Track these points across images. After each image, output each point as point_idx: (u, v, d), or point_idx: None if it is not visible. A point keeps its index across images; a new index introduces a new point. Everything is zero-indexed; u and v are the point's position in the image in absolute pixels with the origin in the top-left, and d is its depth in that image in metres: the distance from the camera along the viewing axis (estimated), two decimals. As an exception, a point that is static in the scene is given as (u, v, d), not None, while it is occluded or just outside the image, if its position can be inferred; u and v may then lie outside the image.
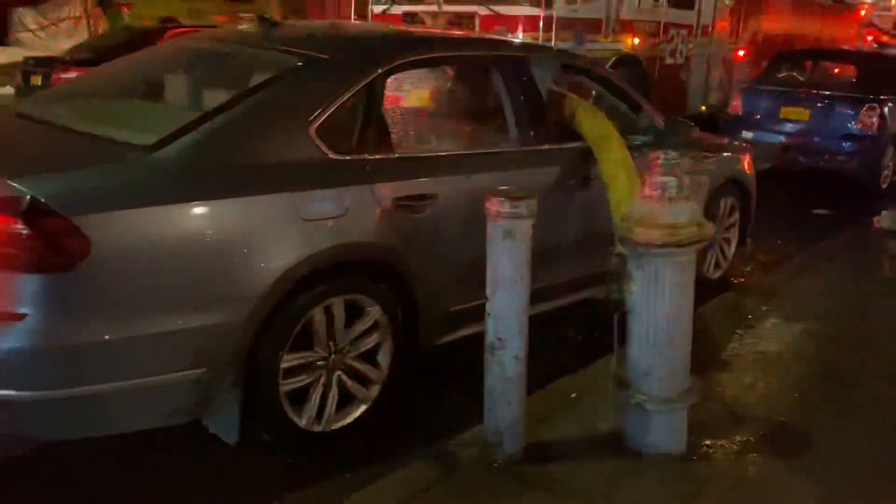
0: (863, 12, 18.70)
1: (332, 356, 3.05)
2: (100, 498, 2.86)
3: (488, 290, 2.82)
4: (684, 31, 10.73)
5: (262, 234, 2.75)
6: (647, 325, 2.88)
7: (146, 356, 2.55)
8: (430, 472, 2.93)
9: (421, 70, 3.48)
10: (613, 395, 3.13)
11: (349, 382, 3.14)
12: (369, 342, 3.18)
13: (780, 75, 9.70)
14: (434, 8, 9.06)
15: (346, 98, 3.08)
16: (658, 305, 2.84)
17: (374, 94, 3.18)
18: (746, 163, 5.24)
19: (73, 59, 10.14)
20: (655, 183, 2.75)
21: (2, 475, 2.94)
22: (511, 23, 8.51)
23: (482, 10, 8.70)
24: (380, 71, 3.21)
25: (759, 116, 9.09)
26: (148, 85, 3.55)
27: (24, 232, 2.35)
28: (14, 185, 2.38)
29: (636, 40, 9.81)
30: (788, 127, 8.83)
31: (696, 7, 10.86)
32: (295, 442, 3.02)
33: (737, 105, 9.38)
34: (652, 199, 2.78)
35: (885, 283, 5.65)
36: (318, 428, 3.06)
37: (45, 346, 2.40)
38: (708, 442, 3.14)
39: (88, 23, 17.28)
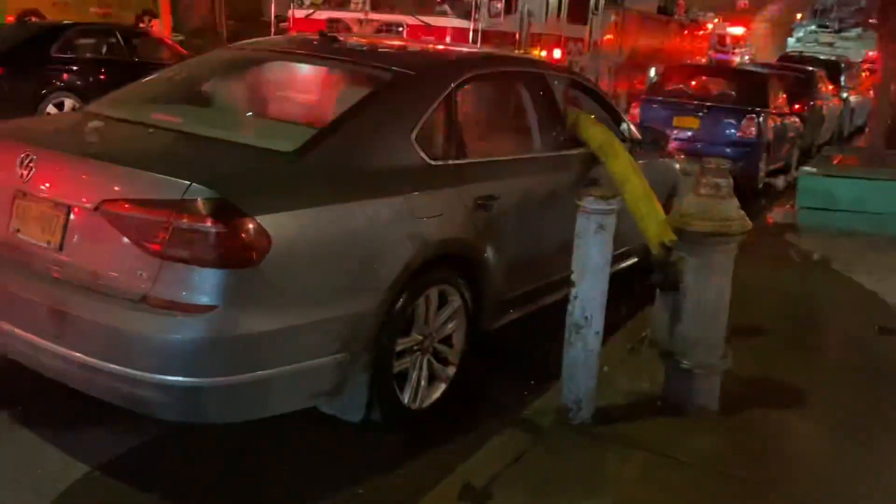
0: (710, 26, 20.80)
1: (425, 340, 3.41)
2: (227, 477, 3.06)
3: (575, 276, 3.29)
4: (580, 45, 11.67)
5: (390, 230, 3.08)
6: (697, 302, 3.46)
7: (307, 342, 2.81)
8: (521, 439, 3.35)
9: (484, 83, 3.90)
10: (650, 362, 3.69)
11: (435, 364, 3.51)
12: (450, 327, 3.56)
13: (668, 88, 10.83)
14: (360, 15, 9.38)
15: (434, 108, 3.45)
16: (708, 286, 3.43)
17: (452, 105, 3.56)
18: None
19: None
20: (710, 184, 3.34)
21: (134, 458, 3.09)
22: (439, 34, 9.00)
23: (410, 20, 9.13)
24: (454, 84, 3.60)
25: (653, 124, 10.14)
26: (246, 93, 3.72)
27: (218, 230, 2.56)
28: (201, 187, 2.58)
29: (543, 52, 10.60)
30: (681, 134, 9.91)
31: (589, 23, 11.84)
32: (400, 419, 3.34)
33: (635, 114, 10.38)
34: (706, 197, 3.36)
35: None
36: (415, 406, 3.40)
37: (231, 336, 2.61)
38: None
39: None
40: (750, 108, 9.90)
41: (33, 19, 15.11)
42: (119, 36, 10.64)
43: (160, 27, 16.59)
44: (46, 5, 16.68)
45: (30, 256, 2.90)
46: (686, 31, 17.78)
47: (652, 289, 3.72)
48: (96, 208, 2.68)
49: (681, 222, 3.42)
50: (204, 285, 2.59)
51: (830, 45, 58.81)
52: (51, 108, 9.57)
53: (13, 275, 2.89)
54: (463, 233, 3.49)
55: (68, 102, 9.69)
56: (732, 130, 9.87)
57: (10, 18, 15.78)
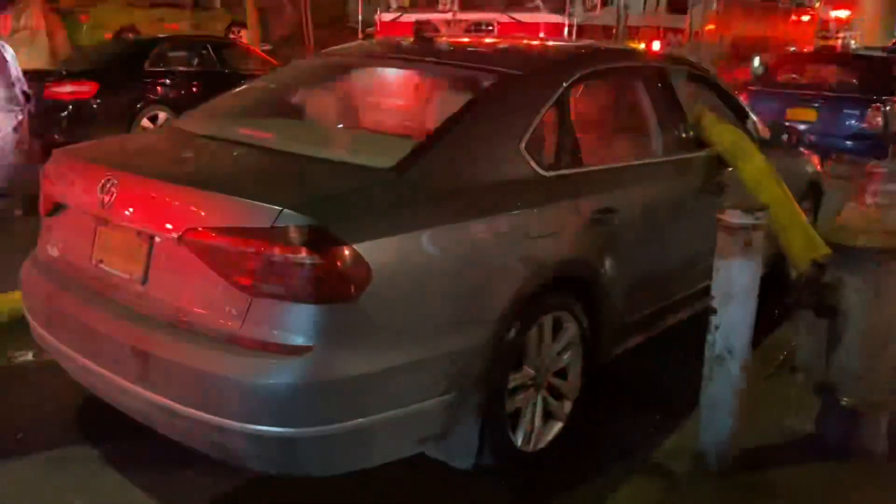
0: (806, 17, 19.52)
1: (539, 374, 3.02)
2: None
3: (717, 303, 2.84)
4: (679, 36, 11.02)
5: (502, 253, 2.72)
6: (863, 331, 2.94)
7: (411, 383, 2.48)
8: (654, 488, 2.92)
9: (598, 81, 3.47)
10: (795, 392, 3.19)
11: (550, 400, 3.12)
12: (566, 359, 3.16)
13: (779, 78, 10.06)
14: (448, 16, 9.05)
15: (544, 113, 3.05)
16: (877, 311, 2.91)
17: (564, 108, 3.16)
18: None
19: (68, 72, 9.70)
20: (879, 191, 2.83)
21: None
22: (532, 30, 8.58)
23: (501, 18, 8.75)
24: (566, 85, 3.19)
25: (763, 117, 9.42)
26: (338, 103, 3.44)
27: (313, 262, 2.25)
28: (293, 213, 2.28)
29: (642, 44, 10.02)
30: (795, 127, 9.15)
31: (689, 12, 11.17)
32: (513, 463, 2.97)
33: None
34: (873, 207, 2.85)
35: None
36: (529, 448, 3.02)
37: (329, 380, 2.30)
38: None
39: (48, 33, 16.54)
40: (875, 97, 9.05)
41: (130, 35, 15.47)
42: (210, 48, 10.66)
43: (248, 37, 16.75)
44: (144, 22, 17.13)
45: (113, 289, 2.67)
46: (790, 17, 16.73)
47: (786, 309, 3.23)
48: (180, 238, 2.41)
49: (841, 236, 2.91)
50: (298, 323, 2.28)
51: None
52: (146, 123, 9.66)
53: (96, 309, 2.67)
54: (580, 252, 3.08)
55: (162, 116, 9.75)
56: (855, 121, 9.06)
57: (109, 36, 16.29)
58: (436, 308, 2.52)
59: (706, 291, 3.95)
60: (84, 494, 2.82)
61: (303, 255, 2.25)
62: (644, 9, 9.72)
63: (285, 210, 2.28)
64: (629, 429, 3.46)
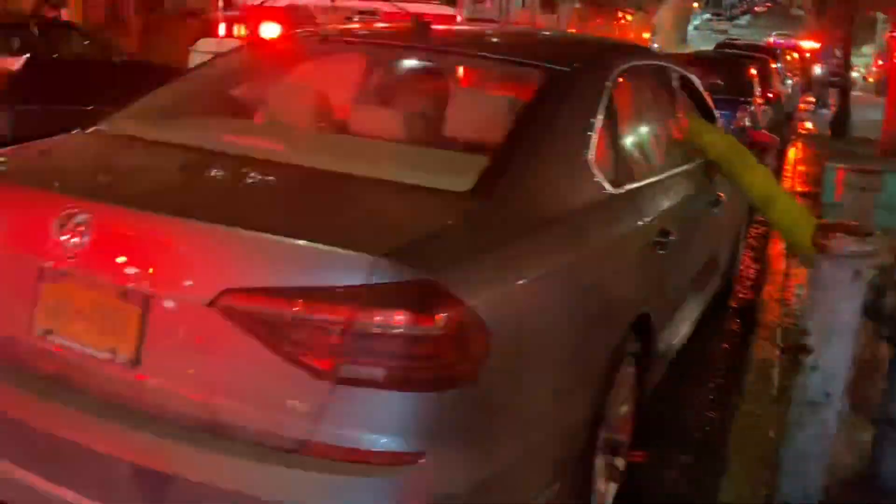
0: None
1: (609, 433, 2.51)
2: None
3: (815, 340, 2.47)
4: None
5: (599, 296, 2.18)
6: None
7: (520, 481, 1.88)
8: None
9: (633, 79, 2.95)
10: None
11: (611, 459, 2.62)
12: (625, 407, 2.67)
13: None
14: (327, 2, 8.26)
15: (601, 117, 2.52)
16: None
17: (613, 110, 2.64)
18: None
19: None
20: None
21: None
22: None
23: (386, 7, 8.11)
24: (609, 83, 2.67)
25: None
26: (350, 102, 2.66)
27: (430, 332, 1.58)
28: (394, 263, 1.59)
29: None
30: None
31: (556, 12, 11.09)
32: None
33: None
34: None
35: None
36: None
37: (447, 495, 1.65)
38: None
39: None
40: (741, 98, 9.41)
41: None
42: (38, 30, 9.07)
43: (69, 16, 14.72)
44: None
45: (76, 372, 1.83)
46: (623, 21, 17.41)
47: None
48: (212, 303, 1.64)
49: None
50: (405, 420, 1.61)
51: (724, 32, 61.14)
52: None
53: (38, 401, 1.81)
54: (647, 282, 2.61)
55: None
56: (725, 122, 9.33)
57: None
58: (547, 374, 1.94)
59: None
60: None
61: (414, 322, 1.58)
62: (523, 5, 9.47)
63: (380, 259, 1.60)
64: (684, 477, 3.04)
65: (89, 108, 9.39)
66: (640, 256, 2.55)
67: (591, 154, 2.39)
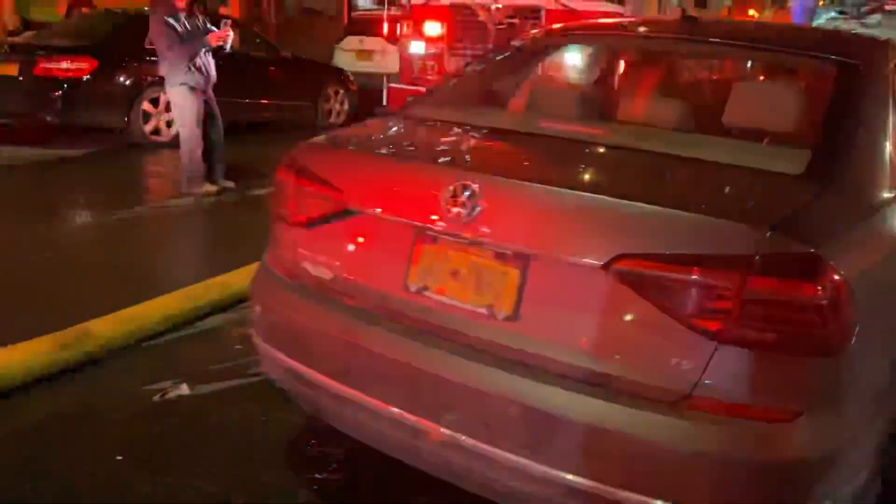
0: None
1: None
2: None
3: None
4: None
5: None
6: None
7: (864, 448, 1.98)
8: None
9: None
10: None
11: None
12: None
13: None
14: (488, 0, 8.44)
15: (891, 108, 2.58)
16: None
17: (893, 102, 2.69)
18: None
19: (56, 47, 8.63)
20: None
21: None
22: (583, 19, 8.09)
23: (550, 5, 8.22)
24: (889, 75, 2.72)
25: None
26: (652, 94, 2.85)
27: (819, 301, 1.72)
28: (781, 236, 1.75)
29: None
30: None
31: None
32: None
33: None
34: None
35: None
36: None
37: (818, 456, 1.78)
38: None
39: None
40: None
41: (84, 10, 14.12)
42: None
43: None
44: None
45: (448, 323, 2.06)
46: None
47: None
48: (605, 266, 1.83)
49: None
50: (788, 381, 1.76)
51: (853, 31, 58.09)
52: (146, 105, 8.72)
53: (428, 350, 2.05)
54: None
55: (163, 98, 8.82)
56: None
57: (62, 10, 14.92)
58: (891, 346, 2.03)
59: None
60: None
61: (802, 290, 1.72)
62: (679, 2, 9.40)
63: (772, 233, 1.74)
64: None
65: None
66: None
67: (891, 143, 2.46)
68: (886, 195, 2.22)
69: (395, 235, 2.16)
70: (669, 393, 1.79)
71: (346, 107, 11.18)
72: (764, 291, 1.72)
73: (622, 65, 3.10)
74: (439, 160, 2.22)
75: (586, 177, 2.12)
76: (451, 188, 2.01)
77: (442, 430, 2.01)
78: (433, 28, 8.77)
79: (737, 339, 1.75)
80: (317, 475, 2.69)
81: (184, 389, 3.19)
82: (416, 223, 2.11)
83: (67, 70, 8.35)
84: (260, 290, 2.53)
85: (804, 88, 2.62)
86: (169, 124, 8.79)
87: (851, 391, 1.85)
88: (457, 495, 2.19)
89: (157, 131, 8.81)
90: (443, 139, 2.43)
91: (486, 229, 1.99)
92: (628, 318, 1.83)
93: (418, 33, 8.77)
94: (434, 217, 2.06)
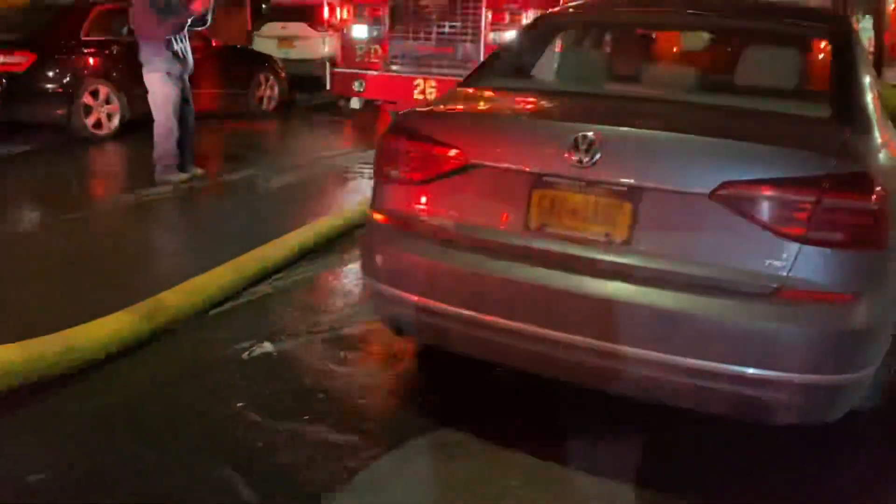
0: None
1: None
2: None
3: None
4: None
5: None
6: None
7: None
8: None
9: None
10: None
11: None
12: None
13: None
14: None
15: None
16: None
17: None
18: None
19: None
20: None
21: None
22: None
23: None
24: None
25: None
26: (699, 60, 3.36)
27: (870, 208, 2.30)
28: (842, 161, 2.32)
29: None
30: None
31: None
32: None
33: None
34: None
35: None
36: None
37: (872, 326, 2.38)
38: None
39: None
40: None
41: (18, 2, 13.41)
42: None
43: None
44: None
45: (571, 251, 2.51)
46: None
47: None
48: (712, 193, 2.33)
49: None
50: (852, 270, 2.33)
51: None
52: (87, 98, 8.60)
53: (561, 277, 2.50)
54: None
55: (103, 91, 8.74)
56: None
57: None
58: None
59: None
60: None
61: (861, 200, 2.29)
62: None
63: (834, 158, 2.31)
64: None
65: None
66: None
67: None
68: (885, 134, 2.84)
69: (514, 184, 2.59)
70: (765, 288, 2.32)
71: (276, 93, 11.33)
72: (835, 202, 2.28)
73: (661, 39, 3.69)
74: (551, 118, 2.66)
75: (682, 123, 2.62)
76: (573, 137, 2.46)
77: (574, 336, 2.46)
78: (374, 11, 9.06)
79: (815, 240, 2.29)
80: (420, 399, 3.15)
81: (267, 347, 3.49)
82: (534, 170, 2.55)
83: (4, 64, 8.17)
84: (377, 244, 2.89)
85: (807, 52, 3.22)
86: (110, 117, 8.76)
87: (891, 276, 2.44)
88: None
89: (98, 124, 8.71)
90: (540, 102, 2.89)
91: (603, 171, 2.46)
92: (730, 233, 2.35)
93: (361, 17, 9.03)
94: (553, 164, 2.50)
